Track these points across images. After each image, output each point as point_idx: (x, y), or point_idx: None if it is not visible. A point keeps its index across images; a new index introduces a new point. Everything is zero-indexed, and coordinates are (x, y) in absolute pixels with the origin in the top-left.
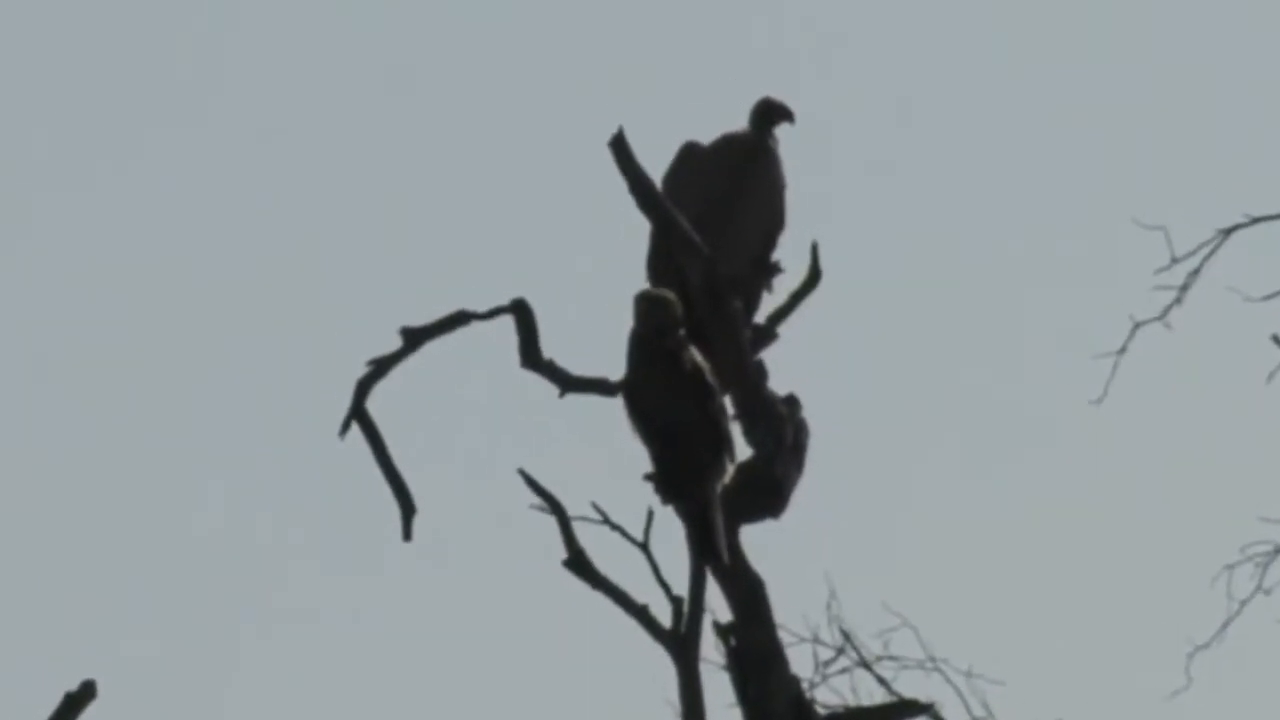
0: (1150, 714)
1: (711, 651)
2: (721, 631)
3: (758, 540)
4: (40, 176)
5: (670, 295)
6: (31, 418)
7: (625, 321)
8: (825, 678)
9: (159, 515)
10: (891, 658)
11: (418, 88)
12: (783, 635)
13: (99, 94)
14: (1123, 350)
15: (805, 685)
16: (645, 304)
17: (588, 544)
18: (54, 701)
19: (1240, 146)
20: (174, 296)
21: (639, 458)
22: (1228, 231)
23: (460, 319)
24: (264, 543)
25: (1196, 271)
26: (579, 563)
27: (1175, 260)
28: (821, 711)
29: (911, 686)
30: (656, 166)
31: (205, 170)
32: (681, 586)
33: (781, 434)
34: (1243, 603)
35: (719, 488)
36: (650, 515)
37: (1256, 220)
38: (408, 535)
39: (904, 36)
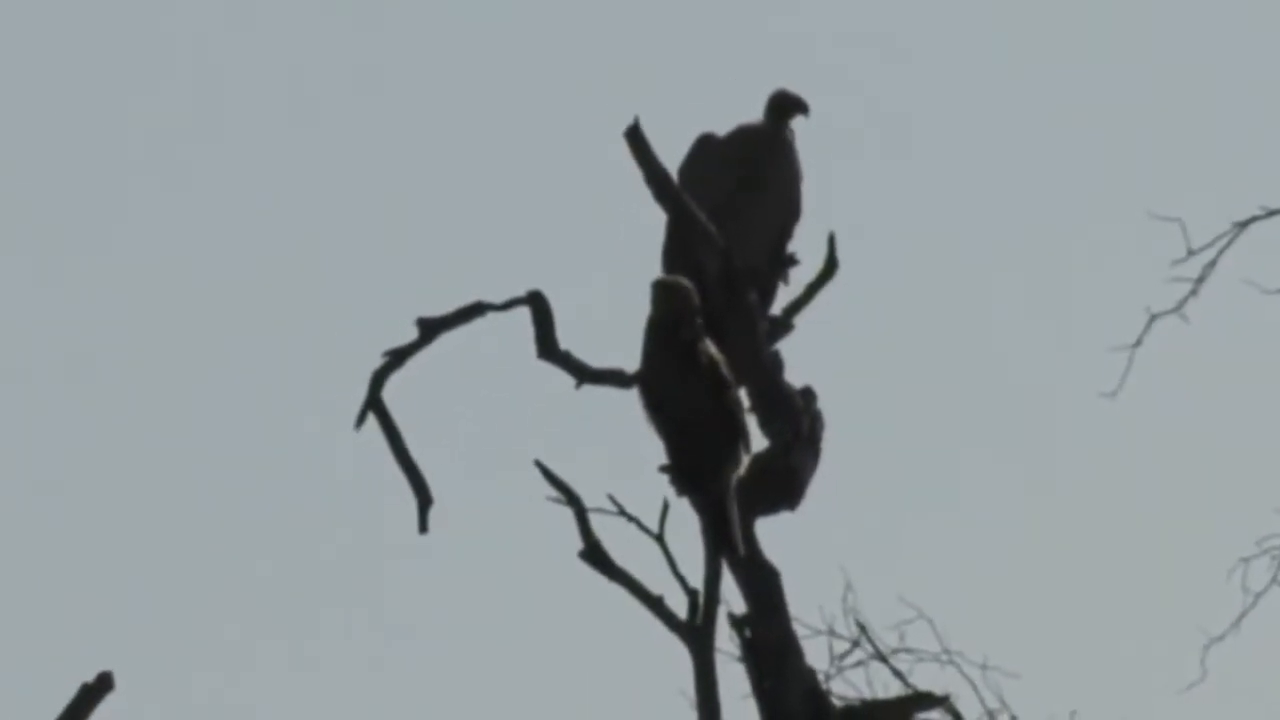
0: (1165, 706)
1: (727, 643)
2: (737, 623)
3: (773, 532)
4: (47, 177)
5: (687, 283)
6: (46, 409)
7: (642, 313)
8: (841, 670)
9: (176, 506)
10: (907, 650)
11: (436, 79)
12: (798, 627)
13: (111, 92)
14: (1138, 342)
15: (821, 677)
16: (662, 291)
17: (604, 535)
18: (70, 692)
19: (1257, 139)
20: (190, 290)
21: (655, 449)
22: (1243, 224)
23: (476, 310)
24: (278, 534)
25: (1212, 264)
26: (595, 554)
27: (1191, 252)
28: (837, 703)
29: (927, 679)
30: (672, 158)
31: (222, 164)
32: (697, 578)
33: (798, 426)
34: (1258, 595)
35: (735, 479)
36: (666, 507)
37: (1272, 213)
38: (424, 527)
39: (920, 30)
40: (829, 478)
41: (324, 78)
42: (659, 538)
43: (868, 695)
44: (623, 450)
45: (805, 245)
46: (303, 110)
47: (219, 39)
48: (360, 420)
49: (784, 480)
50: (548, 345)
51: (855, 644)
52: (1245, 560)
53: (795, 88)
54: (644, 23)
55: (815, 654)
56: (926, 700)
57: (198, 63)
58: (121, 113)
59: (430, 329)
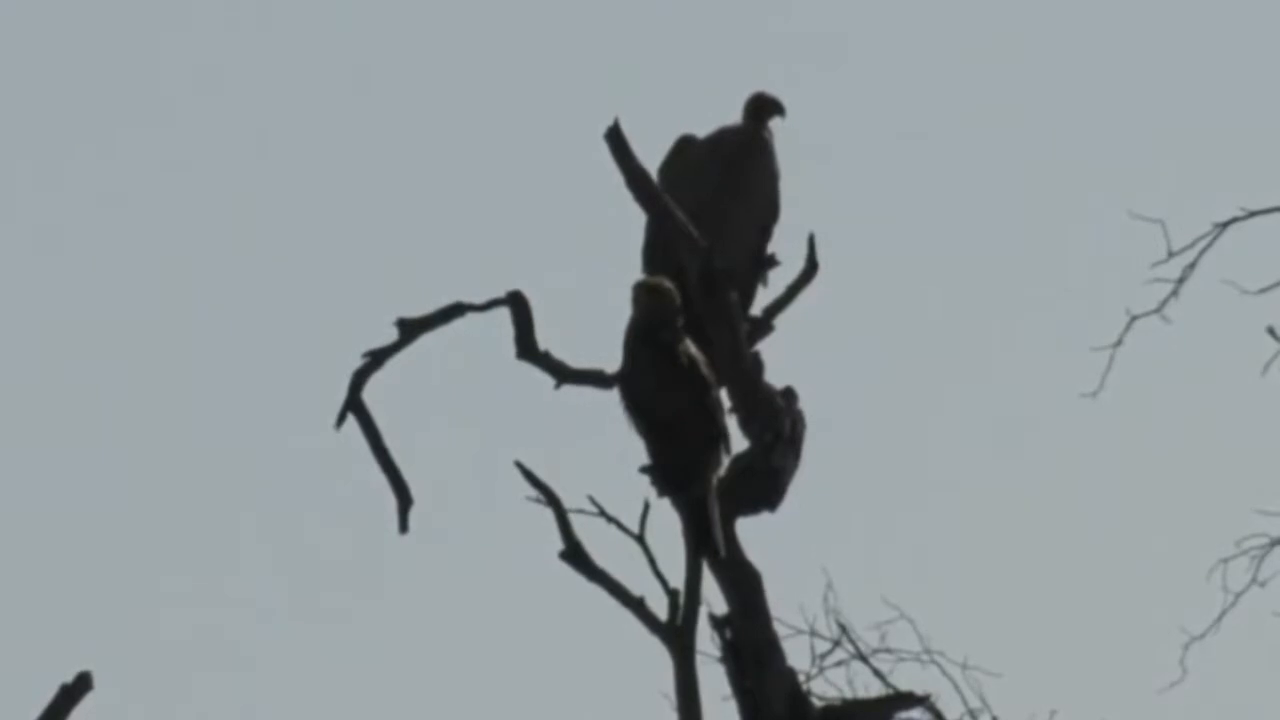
0: (1145, 706)
1: (708, 644)
2: (718, 624)
3: (754, 532)
4: (34, 173)
5: (669, 284)
6: (27, 409)
7: (622, 314)
8: (822, 670)
9: (155, 507)
10: (888, 650)
11: (416, 80)
12: (779, 627)
13: (99, 89)
14: (1119, 343)
15: (802, 677)
16: (644, 292)
17: (584, 536)
18: (50, 693)
19: (1237, 140)
20: (171, 289)
21: (636, 450)
22: (1224, 225)
23: (456, 311)
24: (259, 534)
25: (1193, 265)
26: (575, 555)
27: (1172, 253)
28: (818, 703)
29: (908, 679)
30: (652, 159)
31: (203, 165)
32: (678, 579)
33: (778, 426)
34: (1238, 595)
35: (715, 480)
36: (646, 507)
37: (1253, 214)
38: (404, 527)
39: (900, 30)
40: (810, 478)
41: (305, 79)
42: (640, 538)
43: (849, 695)
44: (603, 451)
45: (785, 247)
46: (284, 110)
47: (201, 41)
48: (340, 421)
49: (765, 481)
50: (527, 346)
51: (836, 644)
52: (1225, 560)
53: (776, 87)
54: (624, 25)
55: (796, 654)
56: (908, 700)
57: (179, 63)
58: (105, 112)
59: (410, 330)
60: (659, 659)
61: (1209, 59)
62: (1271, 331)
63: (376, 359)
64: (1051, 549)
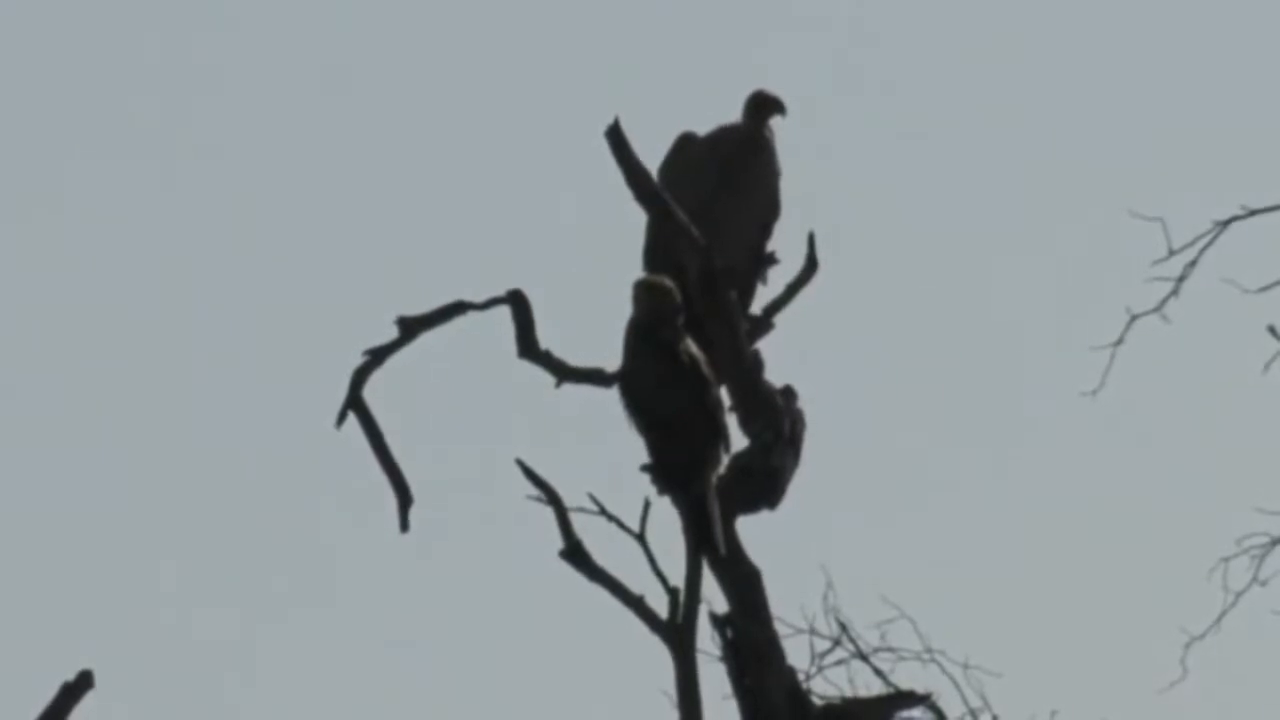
0: (1146, 705)
1: (708, 642)
2: (718, 622)
3: (754, 531)
4: (34, 173)
5: (669, 282)
6: (26, 409)
7: (622, 312)
8: (822, 669)
9: (156, 505)
10: (888, 649)
11: (417, 77)
12: (779, 626)
13: (94, 90)
14: (1119, 342)
15: (802, 676)
16: (644, 291)
17: (585, 535)
18: (51, 692)
19: (1238, 138)
20: (171, 288)
21: (636, 448)
22: (1225, 223)
23: (457, 309)
24: (259, 532)
25: (1193, 263)
26: (576, 553)
27: (1172, 252)
28: (818, 702)
29: (908, 678)
30: (653, 157)
31: (202, 165)
32: (678, 577)
33: (778, 425)
34: (1238, 594)
35: (715, 479)
36: (647, 506)
37: (1253, 212)
38: (405, 525)
39: (901, 25)
40: (810, 477)
41: (305, 78)
42: (640, 537)
43: (849, 694)
44: (603, 449)
45: (785, 245)
46: (284, 110)
47: (201, 39)
48: (341, 419)
49: (765, 479)
50: (528, 344)
51: (836, 643)
52: (1225, 560)
53: (775, 88)
54: (624, 25)
55: (796, 653)
56: (908, 699)
57: (179, 62)
58: (105, 111)
59: (411, 328)
60: (659, 657)
61: (1209, 59)
62: (1272, 330)
63: (377, 357)
64: (1052, 549)
